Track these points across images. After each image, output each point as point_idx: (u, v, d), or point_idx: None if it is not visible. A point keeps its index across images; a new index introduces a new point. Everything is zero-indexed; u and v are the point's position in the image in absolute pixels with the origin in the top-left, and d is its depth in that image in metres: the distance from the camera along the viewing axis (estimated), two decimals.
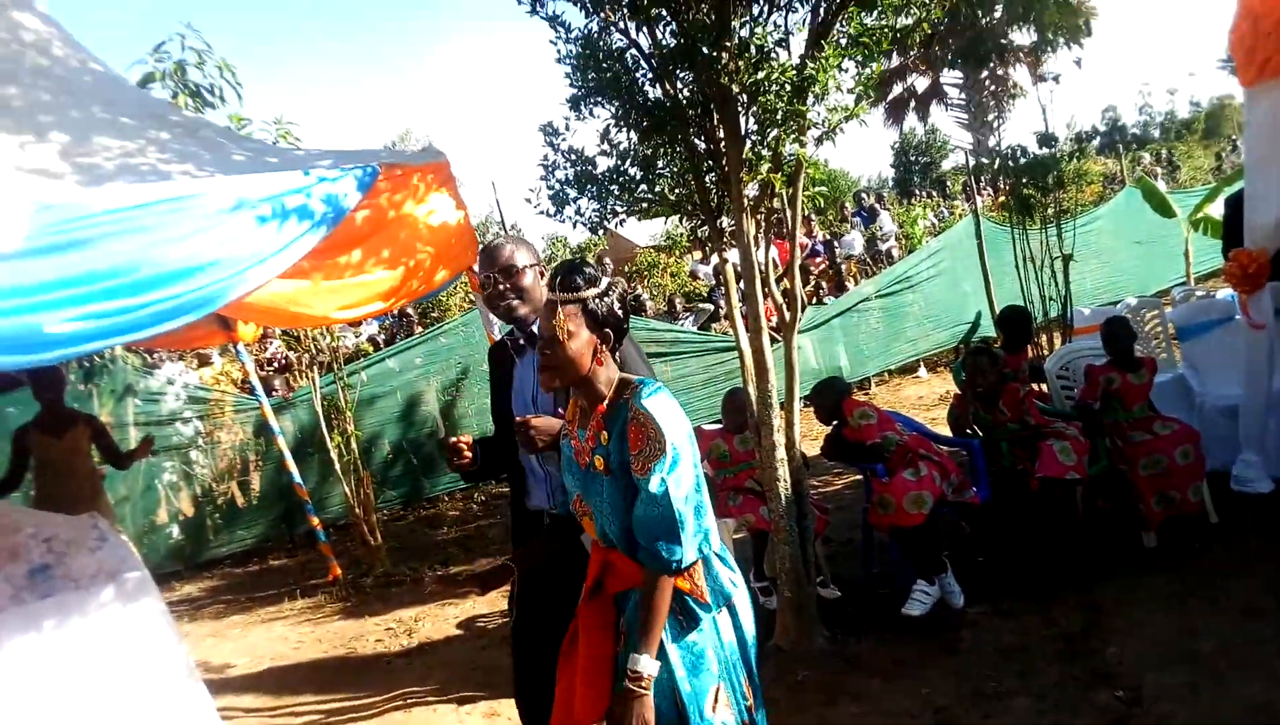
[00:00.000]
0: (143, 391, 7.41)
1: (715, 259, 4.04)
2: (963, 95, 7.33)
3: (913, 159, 47.18)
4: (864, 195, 17.51)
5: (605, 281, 2.12)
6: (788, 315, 4.03)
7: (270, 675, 5.09)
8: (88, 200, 2.80)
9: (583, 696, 2.07)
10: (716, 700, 2.08)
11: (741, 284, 4.08)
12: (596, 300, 2.08)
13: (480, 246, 2.69)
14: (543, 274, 2.75)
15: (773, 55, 3.50)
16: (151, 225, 2.80)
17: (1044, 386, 5.70)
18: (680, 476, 1.98)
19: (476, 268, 2.60)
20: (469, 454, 2.68)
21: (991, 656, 3.81)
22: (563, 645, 2.26)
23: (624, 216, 4.06)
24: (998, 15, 6.77)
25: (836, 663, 3.99)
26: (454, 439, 2.70)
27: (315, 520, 6.75)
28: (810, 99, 3.53)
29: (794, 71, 3.45)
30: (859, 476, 5.07)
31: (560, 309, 2.04)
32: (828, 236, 14.16)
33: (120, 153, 3.34)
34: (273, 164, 3.73)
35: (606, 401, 2.10)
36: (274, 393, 8.57)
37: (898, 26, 3.73)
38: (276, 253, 3.07)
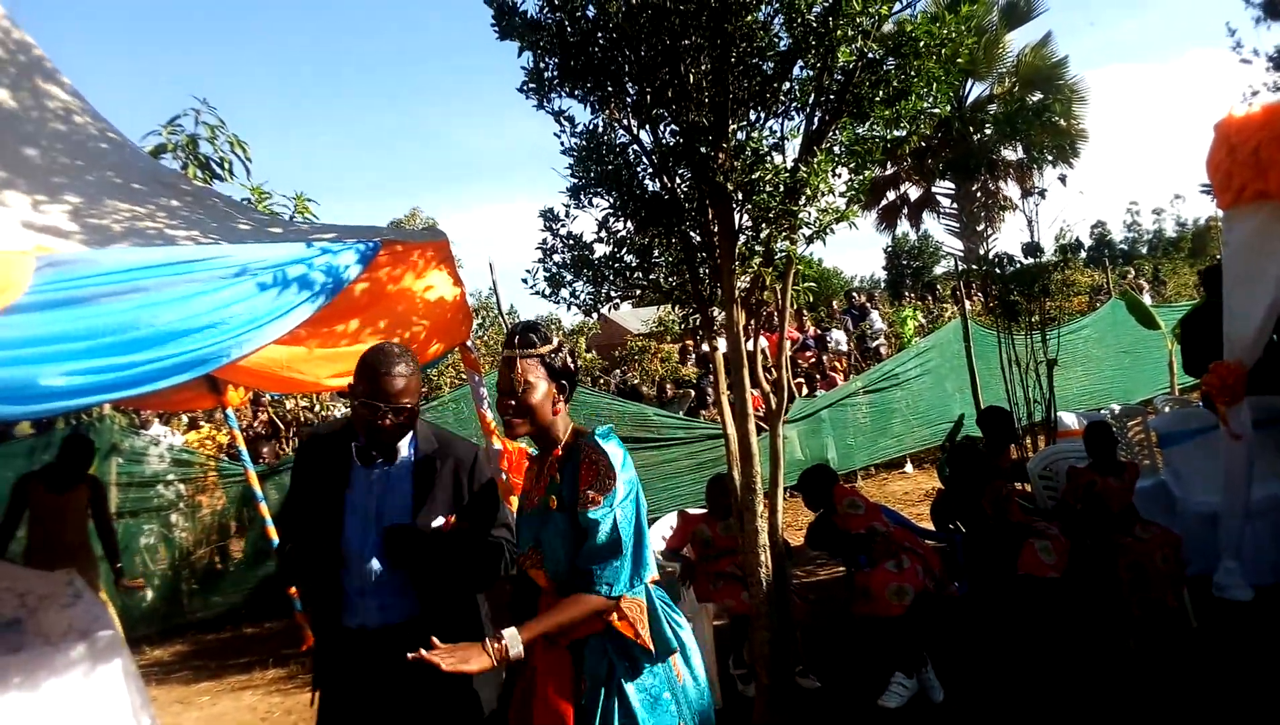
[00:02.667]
0: (127, 451, 7.37)
1: (705, 347, 4.11)
2: (954, 205, 7.54)
3: (905, 262, 47.91)
4: (855, 294, 17.73)
5: (557, 340, 2.31)
6: (774, 403, 4.08)
7: None
8: (92, 259, 2.87)
9: None
10: None
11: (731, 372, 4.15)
12: (552, 355, 2.26)
13: (371, 358, 2.40)
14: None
15: (768, 157, 3.62)
16: (152, 286, 2.86)
17: (1027, 486, 5.74)
18: (625, 509, 2.11)
19: (354, 382, 2.39)
20: None
21: None
22: (513, 701, 2.28)
23: (618, 301, 4.15)
24: (988, 132, 7.04)
25: None
26: None
27: (292, 588, 6.63)
28: (802, 200, 3.64)
29: (787, 174, 3.57)
30: (842, 567, 5.05)
31: (520, 362, 2.21)
32: (818, 332, 14.34)
33: (129, 216, 3.44)
34: (276, 234, 3.83)
35: (562, 445, 2.26)
36: (260, 459, 8.52)
37: (889, 137, 3.90)
38: (274, 319, 3.13)
